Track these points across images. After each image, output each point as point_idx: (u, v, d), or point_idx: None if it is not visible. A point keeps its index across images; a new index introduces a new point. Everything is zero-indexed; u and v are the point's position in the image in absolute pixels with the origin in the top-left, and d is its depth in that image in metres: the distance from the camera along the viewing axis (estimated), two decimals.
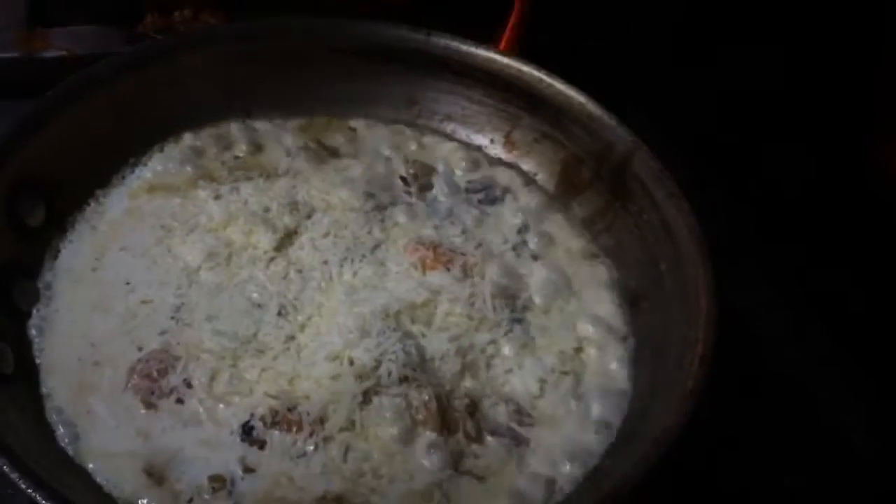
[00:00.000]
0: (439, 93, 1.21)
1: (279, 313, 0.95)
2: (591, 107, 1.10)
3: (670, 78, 1.35)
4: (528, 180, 1.17)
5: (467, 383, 0.93)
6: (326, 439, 0.86)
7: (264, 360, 0.92)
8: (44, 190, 1.02)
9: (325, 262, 1.02)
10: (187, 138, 1.14)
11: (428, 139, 1.21)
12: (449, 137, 1.22)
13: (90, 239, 1.03)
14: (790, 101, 1.24)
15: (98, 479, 0.82)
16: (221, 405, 0.89)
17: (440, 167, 1.18)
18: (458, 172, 1.18)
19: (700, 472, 0.92)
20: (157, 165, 1.11)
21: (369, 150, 1.19)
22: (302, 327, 0.96)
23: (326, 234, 1.05)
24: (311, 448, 0.86)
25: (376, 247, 1.05)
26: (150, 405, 0.88)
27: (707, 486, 0.93)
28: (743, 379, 0.88)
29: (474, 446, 0.89)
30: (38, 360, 0.91)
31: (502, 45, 1.35)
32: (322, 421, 0.87)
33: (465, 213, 1.13)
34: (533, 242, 1.10)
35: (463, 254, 1.05)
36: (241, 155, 1.15)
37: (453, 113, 1.22)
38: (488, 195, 1.15)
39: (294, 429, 0.87)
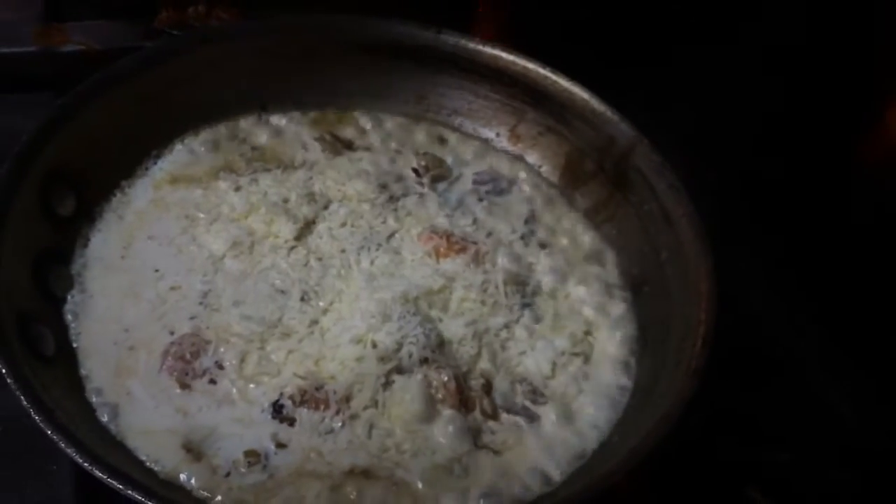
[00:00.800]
0: (447, 88, 1.26)
1: (302, 299, 1.00)
2: (595, 102, 1.15)
3: (667, 71, 1.40)
4: (534, 172, 1.22)
5: (483, 364, 0.99)
6: (352, 417, 0.92)
7: (290, 343, 0.97)
8: (73, 181, 1.05)
9: (343, 251, 1.07)
10: (206, 131, 1.18)
11: (437, 132, 1.25)
12: (457, 131, 1.26)
13: (117, 228, 1.07)
14: (783, 96, 1.30)
15: (139, 455, 0.87)
16: (252, 385, 0.94)
17: (449, 159, 1.23)
18: (467, 164, 1.23)
19: (697, 445, 0.97)
20: (178, 157, 1.16)
21: (381, 143, 1.23)
22: (324, 312, 1.00)
23: (343, 224, 1.10)
24: (339, 425, 0.91)
25: (391, 236, 1.10)
26: (184, 385, 0.93)
27: (704, 459, 0.99)
28: (738, 358, 0.92)
29: (491, 423, 0.95)
30: (75, 344, 0.96)
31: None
32: (348, 399, 0.92)
33: (474, 203, 1.18)
34: (540, 231, 1.15)
35: (474, 242, 1.10)
36: (258, 147, 1.19)
37: (460, 107, 1.26)
38: (496, 186, 1.20)
39: (322, 407, 0.92)
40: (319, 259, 1.06)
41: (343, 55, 1.24)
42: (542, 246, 1.14)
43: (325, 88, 1.25)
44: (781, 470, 0.97)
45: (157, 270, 1.04)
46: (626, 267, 1.10)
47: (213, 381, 0.94)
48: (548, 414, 0.96)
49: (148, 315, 0.99)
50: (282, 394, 0.93)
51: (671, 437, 0.82)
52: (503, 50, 1.21)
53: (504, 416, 0.96)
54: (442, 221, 1.13)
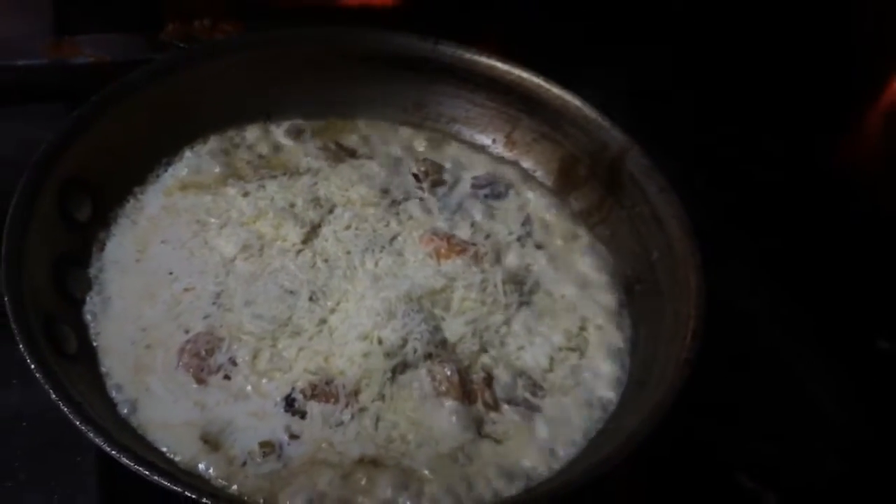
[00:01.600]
0: (445, 97, 1.31)
1: (310, 299, 1.05)
2: (587, 110, 1.20)
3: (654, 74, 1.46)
4: (529, 177, 1.27)
5: (484, 359, 1.03)
6: (361, 410, 0.96)
7: (300, 341, 1.01)
8: (89, 187, 1.10)
9: (349, 253, 1.11)
10: (213, 140, 1.23)
11: (436, 139, 1.31)
12: (454, 137, 1.31)
13: (132, 233, 1.12)
14: (768, 98, 1.36)
15: (160, 447, 0.91)
16: (265, 380, 0.98)
17: (448, 164, 1.28)
18: (465, 169, 1.28)
19: (689, 435, 1.02)
20: (188, 164, 1.20)
21: (382, 150, 1.29)
22: (332, 311, 1.05)
23: (348, 227, 1.15)
24: (348, 417, 0.96)
25: (394, 238, 1.15)
26: (201, 381, 0.98)
27: (696, 448, 1.04)
28: (725, 352, 0.97)
29: (492, 414, 0.99)
30: (94, 343, 1.00)
31: None
32: (356, 393, 0.97)
33: (473, 207, 1.23)
34: (536, 233, 1.20)
35: (474, 244, 1.15)
36: (264, 154, 1.24)
37: (458, 115, 1.32)
38: (493, 190, 1.25)
39: (331, 400, 0.97)
40: (326, 261, 1.11)
41: (343, 66, 1.29)
42: (539, 247, 1.19)
43: (326, 98, 1.30)
44: (768, 457, 1.02)
45: (171, 273, 1.08)
46: (619, 267, 1.15)
47: (227, 377, 0.98)
48: (547, 405, 1.01)
49: (163, 315, 1.03)
50: (293, 388, 0.97)
51: (665, 425, 0.86)
52: (498, 60, 1.26)
53: (505, 407, 1.00)
54: (442, 224, 1.18)
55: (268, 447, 0.93)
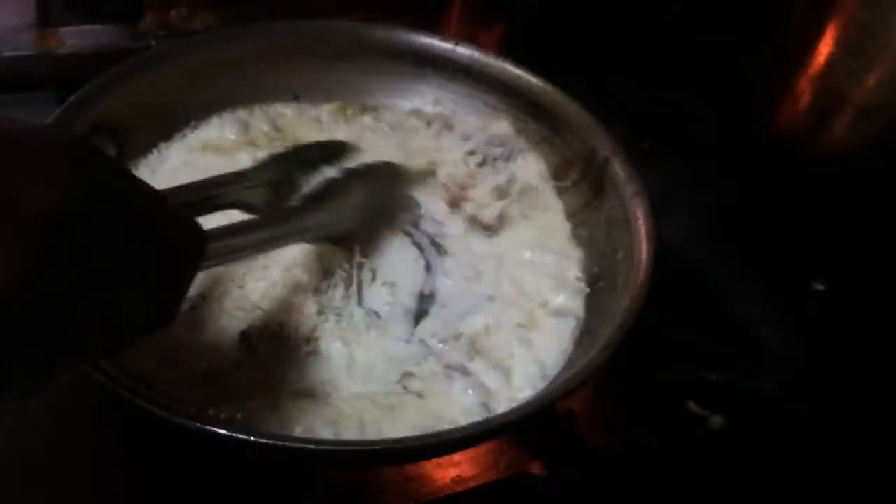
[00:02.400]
0: (460, 95, 1.38)
1: None
2: (584, 116, 1.25)
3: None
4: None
5: None
6: None
7: None
8: (116, 134, 1.19)
9: None
10: (241, 111, 1.33)
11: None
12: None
13: (150, 181, 1.17)
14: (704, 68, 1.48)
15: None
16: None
17: None
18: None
19: (642, 371, 1.13)
20: (212, 129, 1.30)
21: (391, 130, 1.36)
22: None
23: None
24: None
25: None
26: None
27: (649, 382, 1.15)
28: (673, 294, 1.04)
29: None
30: None
31: None
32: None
33: None
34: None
35: None
36: (281, 128, 1.34)
37: (471, 114, 1.38)
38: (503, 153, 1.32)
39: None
40: None
41: (368, 58, 1.38)
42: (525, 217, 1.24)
43: (352, 86, 1.39)
44: (714, 385, 1.14)
45: None
46: (589, 265, 1.17)
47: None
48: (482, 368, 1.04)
49: None
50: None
51: (619, 361, 0.93)
52: (511, 64, 1.33)
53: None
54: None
55: None
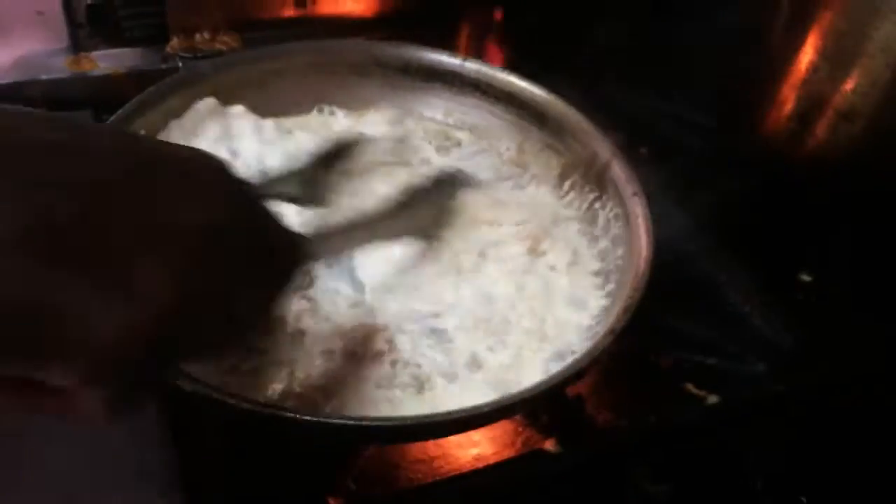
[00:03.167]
0: (469, 107, 1.49)
1: None
2: (584, 123, 1.35)
3: None
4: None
5: None
6: None
7: None
8: None
9: None
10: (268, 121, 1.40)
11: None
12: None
13: None
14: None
15: None
16: None
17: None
18: None
19: (642, 357, 1.25)
20: None
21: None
22: None
23: None
24: None
25: None
26: None
27: (648, 367, 1.25)
28: (670, 286, 1.12)
29: None
30: None
31: None
32: None
33: None
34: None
35: None
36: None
37: (478, 124, 1.49)
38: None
39: None
40: None
41: (383, 74, 1.49)
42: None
43: (366, 98, 1.50)
44: (710, 369, 1.24)
45: None
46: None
47: None
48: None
49: None
50: None
51: (621, 350, 1.03)
52: (516, 77, 1.44)
53: None
54: None
55: None
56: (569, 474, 1.09)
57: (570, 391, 1.17)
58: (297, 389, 1.02)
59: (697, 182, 1.55)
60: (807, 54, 1.37)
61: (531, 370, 1.08)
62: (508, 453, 1.11)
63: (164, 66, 1.61)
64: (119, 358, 0.52)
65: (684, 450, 1.14)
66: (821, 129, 1.41)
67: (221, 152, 1.29)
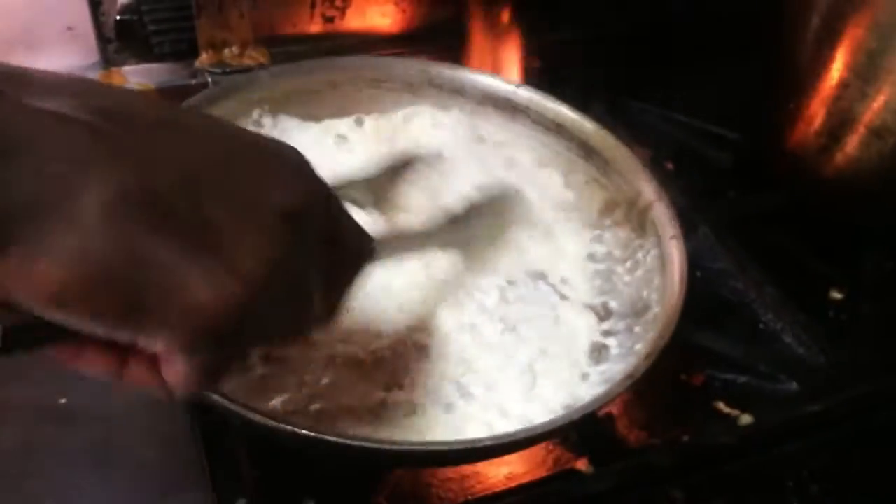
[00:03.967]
0: (518, 135, 1.50)
1: None
2: (632, 161, 1.34)
3: None
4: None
5: None
6: None
7: None
8: None
9: None
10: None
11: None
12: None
13: None
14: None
15: None
16: None
17: None
18: None
19: (671, 379, 1.25)
20: None
21: None
22: None
23: None
24: None
25: None
26: None
27: (681, 385, 1.25)
28: (700, 305, 1.15)
29: None
30: None
31: None
32: None
33: None
34: None
35: None
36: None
37: (526, 151, 1.49)
38: None
39: None
40: None
41: (433, 93, 1.51)
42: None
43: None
44: (741, 387, 1.24)
45: None
46: (624, 303, 1.25)
47: None
48: None
49: None
50: None
51: (653, 370, 1.01)
52: (567, 107, 1.44)
53: None
54: None
55: None
56: (602, 495, 1.08)
57: (600, 410, 1.16)
58: (309, 402, 1.03)
59: (726, 198, 1.56)
60: (837, 70, 1.37)
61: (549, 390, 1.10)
62: (540, 473, 1.12)
63: (193, 81, 1.63)
64: (218, 327, 0.52)
65: (720, 473, 1.13)
66: (851, 145, 1.41)
67: None
